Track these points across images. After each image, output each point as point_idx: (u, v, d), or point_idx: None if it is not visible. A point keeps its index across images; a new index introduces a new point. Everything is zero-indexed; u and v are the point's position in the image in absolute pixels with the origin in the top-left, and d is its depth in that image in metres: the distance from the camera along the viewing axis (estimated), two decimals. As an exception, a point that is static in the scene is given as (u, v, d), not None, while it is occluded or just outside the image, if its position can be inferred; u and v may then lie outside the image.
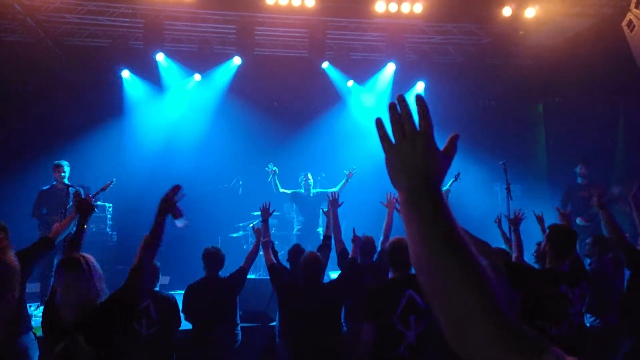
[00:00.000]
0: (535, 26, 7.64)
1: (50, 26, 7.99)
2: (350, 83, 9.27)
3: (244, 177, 8.62)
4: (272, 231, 6.21)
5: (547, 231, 3.55)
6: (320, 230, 7.28)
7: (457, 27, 8.34)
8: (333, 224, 4.71)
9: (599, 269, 4.54)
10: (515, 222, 4.23)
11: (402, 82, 9.06)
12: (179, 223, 3.04)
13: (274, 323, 5.02)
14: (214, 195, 8.61)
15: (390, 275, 3.56)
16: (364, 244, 4.71)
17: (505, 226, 4.93)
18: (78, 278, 2.56)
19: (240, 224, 8.00)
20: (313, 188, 7.74)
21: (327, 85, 9.06)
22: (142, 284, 2.74)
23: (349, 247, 4.56)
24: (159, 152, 8.60)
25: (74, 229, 3.40)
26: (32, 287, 6.08)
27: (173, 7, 7.49)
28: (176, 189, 2.90)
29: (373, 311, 3.34)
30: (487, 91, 9.81)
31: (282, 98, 9.52)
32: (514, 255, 4.06)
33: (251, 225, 6.95)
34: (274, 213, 5.21)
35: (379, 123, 0.94)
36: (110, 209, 7.88)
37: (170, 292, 4.63)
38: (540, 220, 4.48)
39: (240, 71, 8.62)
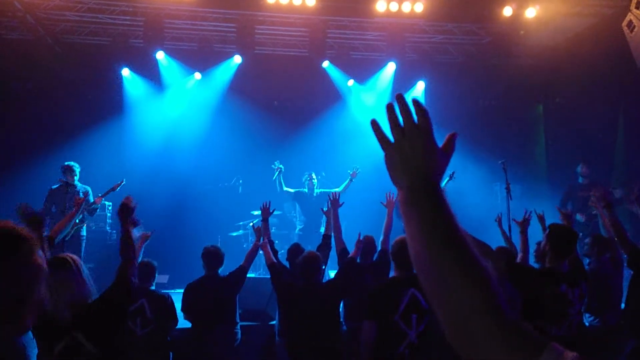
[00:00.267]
0: (536, 26, 7.64)
1: (50, 24, 7.98)
2: (351, 82, 9.27)
3: (244, 176, 8.62)
4: (272, 230, 6.20)
5: (547, 231, 3.56)
6: (323, 230, 7.25)
7: (458, 26, 8.34)
8: (333, 224, 4.71)
9: (598, 268, 4.54)
10: (524, 224, 4.24)
11: (402, 81, 9.05)
12: (135, 233, 3.15)
13: (274, 322, 5.02)
14: (214, 194, 8.61)
15: (392, 274, 3.56)
16: (364, 244, 4.72)
17: (505, 225, 4.93)
18: (68, 277, 2.58)
19: (240, 223, 8.00)
20: (317, 188, 7.67)
21: (327, 85, 9.05)
22: (130, 283, 2.79)
23: (350, 246, 4.56)
24: (159, 150, 8.59)
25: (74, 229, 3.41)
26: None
27: (173, 6, 7.49)
28: (129, 198, 3.06)
29: (374, 310, 3.35)
30: (487, 91, 9.81)
31: (282, 97, 9.51)
32: (519, 255, 4.06)
33: (251, 224, 6.94)
34: (274, 212, 5.21)
35: (374, 124, 0.94)
36: (110, 208, 7.87)
37: (166, 291, 4.62)
38: (541, 219, 4.49)
39: (241, 70, 8.62)
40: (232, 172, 8.62)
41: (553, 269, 3.41)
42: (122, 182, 6.52)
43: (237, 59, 8.48)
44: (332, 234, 4.70)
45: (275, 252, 4.61)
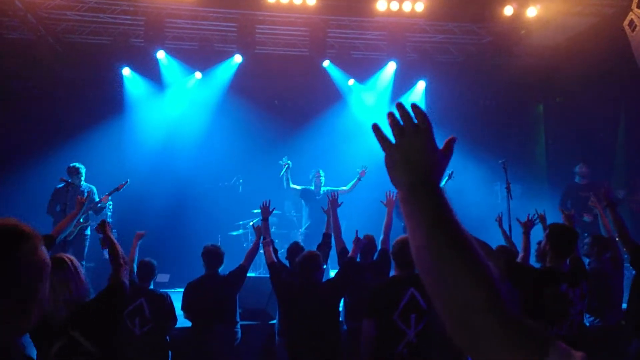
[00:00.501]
0: (537, 25, 7.63)
1: (51, 23, 7.98)
2: (351, 82, 9.26)
3: (244, 176, 8.62)
4: (272, 229, 6.19)
5: (547, 230, 3.56)
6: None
7: (459, 26, 8.33)
8: (333, 223, 4.71)
9: (598, 268, 4.54)
10: (528, 225, 4.25)
11: (403, 81, 9.06)
12: (106, 254, 3.38)
13: (274, 321, 5.02)
14: (214, 193, 8.61)
15: (392, 273, 3.56)
16: (364, 244, 4.72)
17: (506, 225, 4.94)
18: (66, 276, 2.61)
19: (241, 222, 8.00)
20: (323, 186, 7.55)
21: (327, 84, 9.05)
22: (123, 288, 2.84)
23: (350, 246, 4.56)
24: (160, 150, 8.60)
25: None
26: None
27: (174, 5, 7.49)
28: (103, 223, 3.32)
29: (374, 308, 3.35)
30: (487, 90, 9.81)
31: (282, 96, 9.51)
32: (520, 255, 4.07)
33: (251, 223, 6.93)
34: (274, 212, 5.21)
35: (375, 127, 0.97)
36: (110, 207, 7.88)
37: (166, 290, 4.62)
38: (542, 219, 4.49)
39: (241, 69, 8.61)
40: (233, 172, 8.63)
41: (553, 269, 3.41)
42: (126, 182, 6.55)
43: (238, 59, 8.48)
44: (332, 233, 4.70)
45: (275, 251, 4.61)
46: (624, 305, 4.68)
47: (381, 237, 4.66)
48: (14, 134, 8.42)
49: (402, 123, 0.94)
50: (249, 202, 7.94)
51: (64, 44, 8.33)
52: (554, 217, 4.86)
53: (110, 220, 7.90)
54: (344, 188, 7.48)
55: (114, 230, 7.81)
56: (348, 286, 4.23)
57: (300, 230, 7.81)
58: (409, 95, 9.52)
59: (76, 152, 7.61)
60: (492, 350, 0.75)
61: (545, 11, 7.41)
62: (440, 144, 0.96)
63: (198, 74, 8.92)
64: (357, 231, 4.54)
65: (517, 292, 3.36)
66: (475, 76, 9.08)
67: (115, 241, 3.12)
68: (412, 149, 0.92)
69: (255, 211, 7.49)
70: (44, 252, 1.12)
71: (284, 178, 7.41)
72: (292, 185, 7.47)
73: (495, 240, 4.29)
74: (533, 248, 4.54)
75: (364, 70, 9.11)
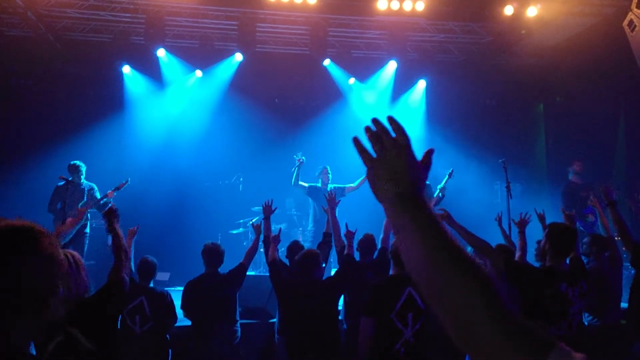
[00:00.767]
0: (537, 25, 7.62)
1: (51, 21, 7.97)
2: (352, 81, 9.26)
3: (245, 174, 8.62)
4: (280, 226, 6.16)
5: (547, 230, 3.56)
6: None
7: (459, 25, 8.33)
8: (332, 222, 4.71)
9: (597, 267, 4.54)
10: (522, 224, 4.25)
11: (403, 80, 9.06)
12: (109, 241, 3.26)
13: (274, 320, 5.03)
14: (215, 191, 8.62)
15: (391, 273, 3.56)
16: (364, 242, 4.72)
17: (505, 224, 4.94)
18: (66, 272, 2.59)
19: (241, 221, 8.00)
20: (330, 182, 7.47)
21: (328, 83, 9.05)
22: (125, 279, 2.83)
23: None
24: (160, 148, 8.60)
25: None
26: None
27: (174, 3, 7.48)
28: (111, 210, 3.22)
29: (371, 307, 3.36)
30: (488, 90, 9.81)
31: (283, 95, 9.51)
32: (517, 254, 4.07)
33: (251, 222, 6.93)
34: (276, 211, 5.19)
35: (356, 141, 1.00)
36: (110, 205, 7.89)
37: (166, 289, 4.63)
38: (541, 218, 4.50)
39: (242, 68, 8.60)
40: (233, 170, 8.63)
41: (553, 268, 3.42)
42: (126, 181, 6.54)
43: (238, 57, 8.47)
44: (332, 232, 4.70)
45: (277, 239, 4.60)
46: (623, 305, 4.70)
47: (381, 236, 4.67)
48: (14, 131, 8.43)
49: (381, 137, 0.96)
50: (249, 201, 7.94)
51: (64, 42, 8.32)
52: (554, 216, 4.87)
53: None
54: (352, 185, 7.47)
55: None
56: (347, 284, 4.24)
57: (307, 228, 7.73)
58: (410, 95, 9.53)
59: (76, 150, 7.61)
60: (493, 352, 0.75)
61: (545, 11, 7.41)
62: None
63: (198, 72, 8.92)
64: (347, 224, 4.54)
65: (516, 291, 3.37)
66: (475, 76, 9.09)
67: (120, 234, 3.07)
68: (394, 163, 0.94)
69: (256, 209, 7.49)
70: (60, 251, 1.16)
71: (294, 174, 7.32)
72: (300, 183, 7.38)
73: (495, 239, 4.30)
74: (532, 247, 4.55)
75: (364, 69, 9.10)
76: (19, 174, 7.85)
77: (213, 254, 4.48)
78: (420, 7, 7.34)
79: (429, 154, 1.00)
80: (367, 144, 0.99)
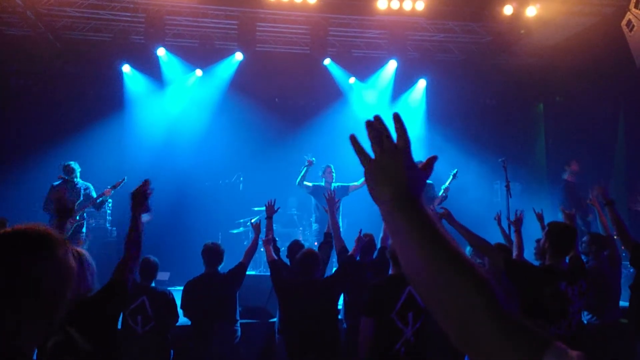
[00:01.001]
0: (536, 25, 7.63)
1: (51, 20, 7.97)
2: (352, 80, 9.27)
3: (245, 173, 8.62)
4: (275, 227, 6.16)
5: (547, 228, 3.57)
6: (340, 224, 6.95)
7: (459, 25, 8.33)
8: (331, 222, 4.70)
9: (596, 266, 4.55)
10: (517, 223, 4.25)
11: (403, 79, 9.07)
12: (144, 217, 2.98)
13: (274, 319, 5.03)
14: (215, 191, 8.61)
15: (391, 272, 3.57)
16: (364, 242, 4.72)
17: (505, 223, 4.95)
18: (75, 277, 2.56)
19: (241, 220, 8.00)
20: (334, 181, 7.44)
21: (328, 82, 9.05)
22: (129, 278, 2.78)
23: (350, 245, 4.56)
24: (160, 147, 8.59)
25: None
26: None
27: (174, 2, 7.48)
28: (146, 183, 2.93)
29: (372, 307, 3.36)
30: (488, 89, 9.82)
31: (283, 94, 9.50)
32: (514, 253, 4.08)
33: (251, 221, 6.92)
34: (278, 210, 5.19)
35: (353, 139, 0.99)
36: (109, 204, 7.88)
37: (167, 288, 4.63)
38: (540, 218, 4.50)
39: (242, 67, 8.60)
40: (233, 169, 8.62)
41: (553, 267, 3.42)
42: (123, 180, 6.55)
43: (239, 56, 8.47)
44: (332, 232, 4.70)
45: (277, 250, 4.61)
46: (622, 303, 4.71)
47: (381, 236, 4.67)
48: (14, 131, 8.42)
49: (380, 138, 0.95)
50: (249, 200, 7.94)
51: (64, 41, 8.32)
52: (553, 216, 4.87)
53: (110, 218, 7.91)
54: (356, 183, 7.47)
55: (114, 229, 7.88)
56: (347, 284, 4.24)
57: (311, 227, 7.70)
58: (410, 94, 9.53)
59: (76, 150, 7.61)
60: (493, 352, 0.76)
61: (544, 11, 7.41)
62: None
63: (198, 72, 8.91)
64: (360, 230, 4.55)
65: (516, 289, 3.37)
66: (475, 75, 9.09)
67: (140, 227, 2.80)
68: (393, 164, 0.93)
69: (256, 208, 7.49)
70: (71, 257, 1.16)
71: (301, 174, 7.30)
72: (304, 182, 7.37)
73: (494, 238, 4.31)
74: (531, 246, 4.55)
75: (364, 68, 9.11)
76: (19, 173, 7.84)
77: (213, 254, 4.48)
78: (420, 6, 7.35)
79: (431, 161, 0.99)
80: (365, 143, 0.98)
